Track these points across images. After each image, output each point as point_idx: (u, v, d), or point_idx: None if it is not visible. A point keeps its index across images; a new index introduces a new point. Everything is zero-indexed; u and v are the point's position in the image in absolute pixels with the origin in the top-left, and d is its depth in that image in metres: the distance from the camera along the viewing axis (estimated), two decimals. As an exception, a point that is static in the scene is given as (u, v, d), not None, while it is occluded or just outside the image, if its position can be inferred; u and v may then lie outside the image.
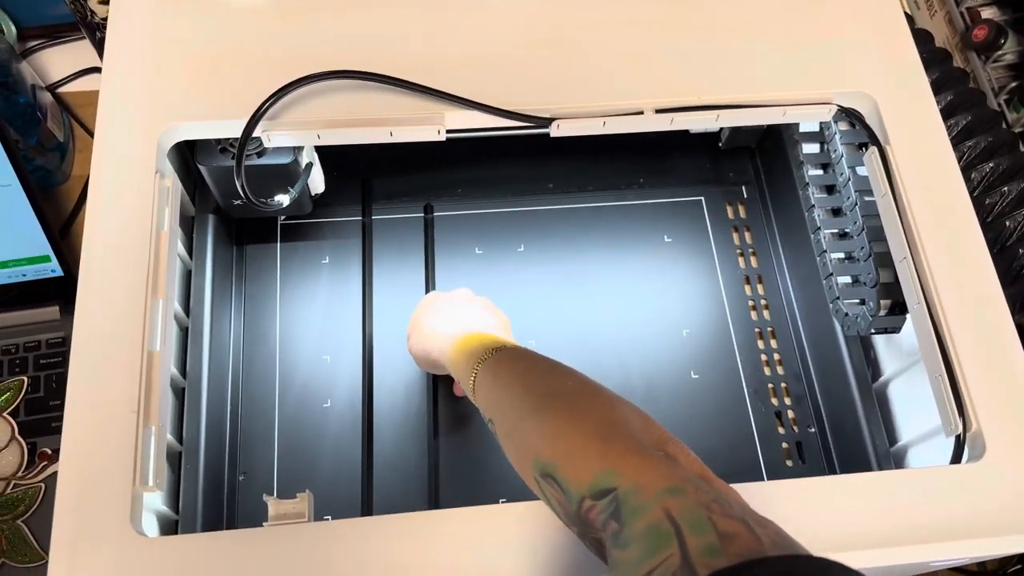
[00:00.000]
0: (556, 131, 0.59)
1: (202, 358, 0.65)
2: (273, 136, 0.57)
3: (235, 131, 0.57)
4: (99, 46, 0.74)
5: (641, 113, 0.59)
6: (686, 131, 0.80)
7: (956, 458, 0.51)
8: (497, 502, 0.66)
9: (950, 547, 0.48)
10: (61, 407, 0.68)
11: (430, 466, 0.67)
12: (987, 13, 0.81)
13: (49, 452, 0.67)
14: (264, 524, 0.47)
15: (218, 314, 0.68)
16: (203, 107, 0.57)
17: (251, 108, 0.55)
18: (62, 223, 0.76)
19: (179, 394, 0.62)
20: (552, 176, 0.80)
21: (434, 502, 0.66)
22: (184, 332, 0.64)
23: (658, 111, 0.59)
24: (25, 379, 0.69)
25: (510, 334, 0.61)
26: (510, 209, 0.78)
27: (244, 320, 0.71)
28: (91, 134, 0.80)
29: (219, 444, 0.65)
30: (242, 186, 0.54)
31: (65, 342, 0.71)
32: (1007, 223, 0.64)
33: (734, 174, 0.81)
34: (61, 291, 0.72)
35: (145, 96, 0.57)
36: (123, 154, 0.55)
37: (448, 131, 0.58)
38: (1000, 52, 0.79)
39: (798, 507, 0.49)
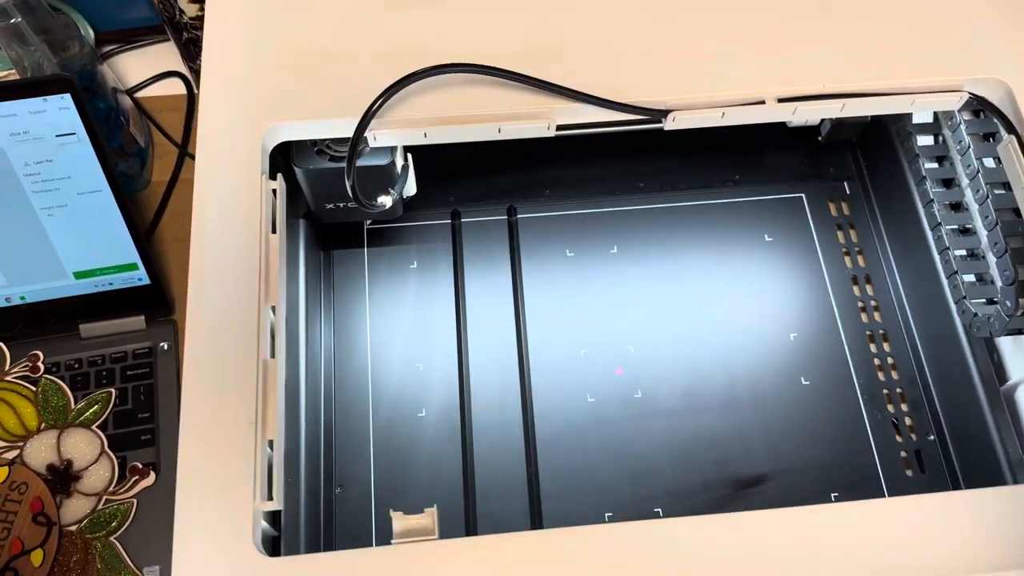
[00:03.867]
0: (671, 123, 0.56)
1: (299, 368, 0.62)
2: (379, 135, 0.54)
3: (338, 131, 0.55)
4: (185, 47, 0.72)
5: (763, 103, 0.56)
6: (783, 125, 0.77)
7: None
8: (603, 517, 0.64)
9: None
10: (150, 420, 0.67)
11: (529, 478, 0.65)
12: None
13: (140, 466, 0.65)
14: (392, 542, 0.44)
15: (310, 322, 0.66)
16: (305, 106, 0.55)
17: (353, 106, 0.53)
18: (144, 230, 0.75)
19: (277, 405, 0.60)
20: (642, 175, 0.77)
21: (537, 516, 0.63)
22: (278, 340, 0.62)
23: (780, 100, 0.56)
24: (113, 391, 0.67)
25: None
26: (600, 210, 0.75)
27: (335, 328, 0.69)
28: (172, 140, 0.79)
29: (316, 456, 0.63)
30: (352, 186, 0.52)
31: (151, 352, 0.70)
32: None
33: (835, 169, 0.77)
34: (147, 300, 0.70)
35: (247, 96, 0.55)
36: (228, 156, 0.53)
37: (559, 126, 0.56)
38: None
39: (924, 525, 0.45)
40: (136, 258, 0.67)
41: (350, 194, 0.53)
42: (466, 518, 0.63)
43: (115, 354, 0.69)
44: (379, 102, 0.51)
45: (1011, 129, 0.56)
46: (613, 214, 0.75)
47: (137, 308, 0.70)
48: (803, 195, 0.75)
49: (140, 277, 0.69)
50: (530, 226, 0.74)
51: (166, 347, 0.70)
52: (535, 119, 0.55)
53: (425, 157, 0.68)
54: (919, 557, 0.44)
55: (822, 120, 0.75)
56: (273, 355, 0.49)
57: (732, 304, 0.71)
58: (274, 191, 0.53)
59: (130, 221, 0.65)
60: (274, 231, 0.51)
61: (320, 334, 0.68)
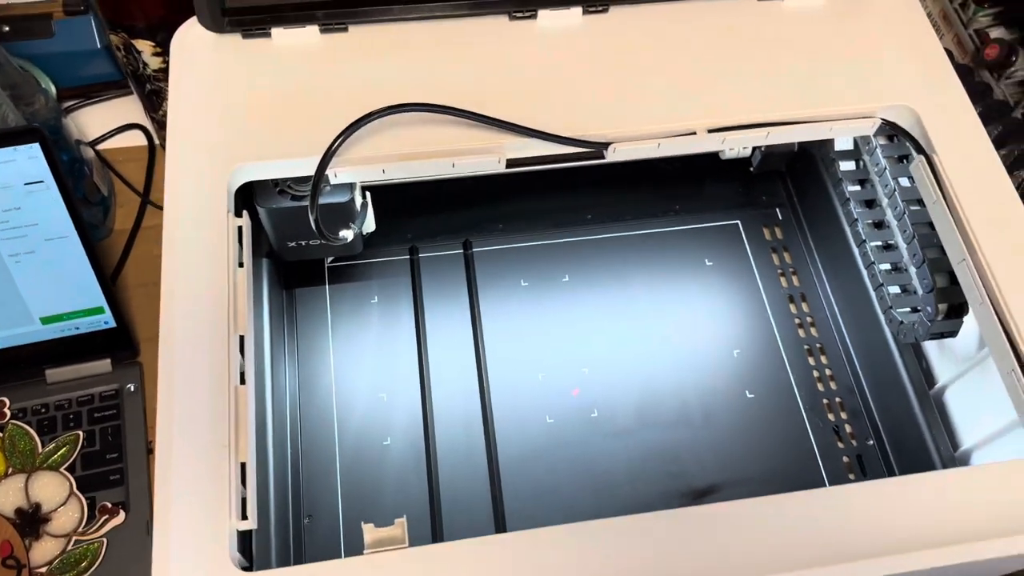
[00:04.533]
0: (612, 155, 0.60)
1: (265, 403, 0.64)
2: (339, 172, 0.58)
3: (301, 170, 0.58)
4: (148, 99, 0.75)
5: (694, 133, 0.60)
6: (717, 158, 0.82)
7: (1038, 451, 0.52)
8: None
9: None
10: (118, 460, 0.68)
11: (494, 498, 0.67)
12: (995, 33, 0.85)
13: (109, 506, 0.66)
14: (364, 552, 0.47)
15: (275, 359, 0.68)
16: (269, 148, 0.58)
17: (314, 146, 0.56)
18: (109, 275, 0.76)
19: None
20: (590, 207, 0.81)
21: (501, 529, 0.66)
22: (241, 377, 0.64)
23: (710, 131, 0.60)
24: (80, 433, 0.68)
25: None
26: (551, 241, 0.79)
27: (299, 364, 0.71)
28: (133, 189, 0.82)
29: (284, 487, 0.65)
30: (315, 221, 0.55)
31: (118, 394, 0.71)
32: (1049, 225, 0.66)
33: (767, 197, 0.83)
34: (113, 343, 0.71)
35: (212, 139, 0.58)
36: (195, 196, 0.55)
37: (508, 160, 0.59)
38: (1012, 69, 0.82)
39: (870, 510, 0.49)
40: (103, 301, 0.69)
41: (314, 227, 0.56)
42: (433, 540, 0.65)
43: (82, 397, 0.70)
44: (339, 140, 0.55)
45: (920, 150, 0.61)
46: (564, 245, 0.79)
47: (103, 351, 0.71)
48: (739, 222, 0.80)
49: (106, 320, 0.70)
50: (485, 259, 0.78)
51: (132, 389, 0.71)
52: (486, 154, 0.59)
53: (384, 196, 0.72)
54: (861, 539, 0.48)
55: (753, 151, 0.80)
56: (243, 382, 0.51)
57: (678, 325, 0.75)
58: (240, 228, 0.56)
59: (96, 265, 0.67)
60: (241, 265, 0.54)
61: (285, 370, 0.70)
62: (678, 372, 0.73)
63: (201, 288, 0.52)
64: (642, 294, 0.76)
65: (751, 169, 0.82)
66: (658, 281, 0.77)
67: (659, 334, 0.75)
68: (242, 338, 0.52)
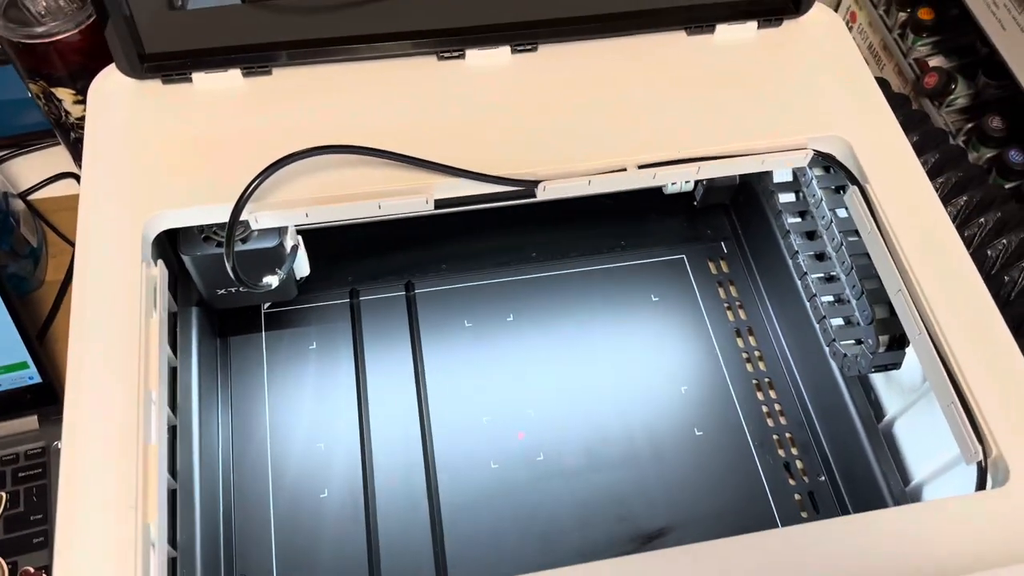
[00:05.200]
0: (543, 193, 0.59)
1: (192, 457, 0.62)
2: (260, 217, 0.56)
3: (222, 216, 0.56)
4: (73, 147, 0.74)
5: (624, 170, 0.59)
6: (661, 193, 0.81)
7: (981, 485, 0.51)
8: (511, 579, 0.64)
9: (986, 578, 0.47)
10: (43, 522, 0.65)
11: (435, 550, 0.64)
12: (934, 62, 0.85)
13: (31, 571, 0.63)
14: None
15: (206, 410, 0.66)
16: (187, 194, 0.56)
17: (235, 191, 0.55)
18: (38, 329, 0.74)
19: (170, 496, 0.59)
20: (534, 245, 0.80)
21: (444, 585, 0.63)
22: (172, 431, 0.62)
23: (640, 167, 0.60)
24: (3, 495, 0.66)
25: None
26: (495, 280, 0.78)
27: (232, 414, 0.69)
28: (65, 239, 0.80)
29: (215, 546, 0.62)
30: (233, 268, 0.53)
31: (45, 452, 0.68)
32: (988, 252, 0.65)
33: (711, 231, 0.82)
34: (39, 399, 0.69)
35: (127, 186, 0.56)
36: (108, 246, 0.54)
37: (436, 201, 0.58)
38: (952, 97, 0.83)
39: (823, 552, 0.47)
40: (26, 356, 0.67)
41: (231, 275, 0.54)
42: (371, 594, 0.62)
43: (6, 456, 0.67)
44: (255, 184, 0.53)
45: (854, 180, 0.61)
46: (508, 284, 0.78)
47: (29, 408, 0.69)
48: (684, 256, 0.80)
49: (31, 376, 0.68)
50: (428, 300, 0.76)
51: (59, 446, 0.68)
52: (413, 194, 0.58)
53: (322, 239, 0.70)
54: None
55: (696, 185, 0.80)
56: (153, 440, 0.49)
57: (625, 362, 0.74)
58: (154, 278, 0.54)
59: (18, 320, 0.65)
60: (153, 316, 0.52)
61: (217, 423, 0.68)
62: (625, 411, 0.71)
63: (110, 340, 0.50)
64: (588, 332, 0.75)
65: (695, 203, 0.82)
66: (604, 318, 0.76)
67: (606, 372, 0.73)
68: (153, 393, 0.50)
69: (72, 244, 0.78)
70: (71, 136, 0.72)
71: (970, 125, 0.82)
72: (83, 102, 0.69)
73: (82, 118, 0.70)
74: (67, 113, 0.69)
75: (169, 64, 0.60)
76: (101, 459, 0.47)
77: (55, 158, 0.82)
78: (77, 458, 0.47)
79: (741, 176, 0.77)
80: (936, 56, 0.86)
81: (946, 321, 0.54)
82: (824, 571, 0.47)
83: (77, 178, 0.78)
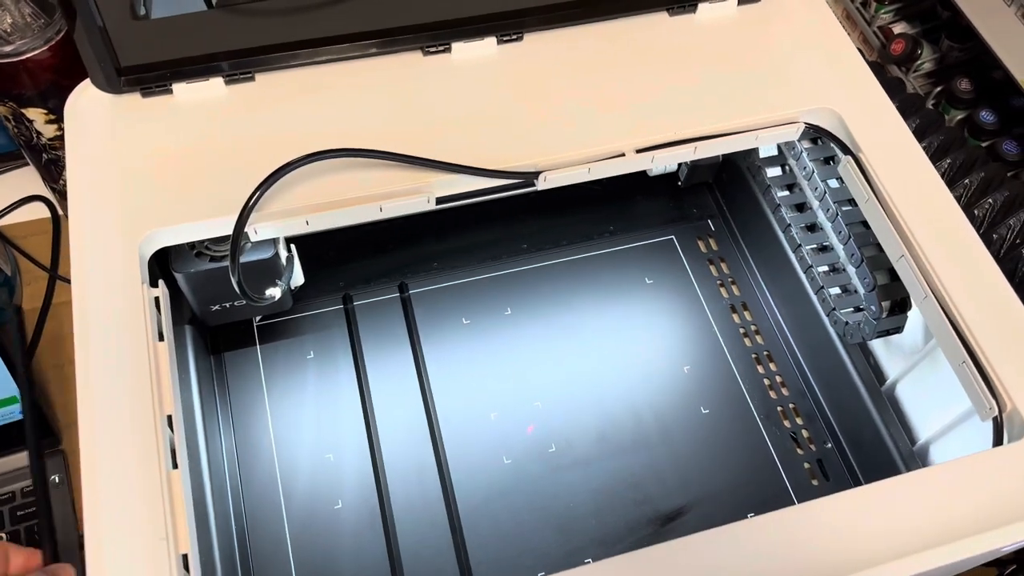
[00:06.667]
0: (543, 184, 0.59)
1: (203, 478, 0.60)
2: (260, 228, 0.55)
3: (217, 230, 0.55)
4: (46, 169, 0.71)
5: (623, 155, 0.59)
6: (645, 175, 0.81)
7: (998, 440, 0.52)
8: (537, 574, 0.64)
9: (1009, 532, 0.48)
10: (50, 560, 0.63)
11: (457, 549, 0.64)
12: (898, 28, 0.87)
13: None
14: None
15: (209, 430, 0.64)
16: (181, 210, 0.54)
17: (230, 204, 0.53)
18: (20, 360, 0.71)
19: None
20: (524, 236, 0.79)
21: (469, 586, 0.63)
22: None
23: (639, 151, 0.59)
24: (3, 536, 0.63)
25: None
26: (489, 275, 0.77)
27: (235, 432, 0.67)
28: (38, 264, 0.77)
29: (232, 568, 0.60)
30: (239, 282, 0.52)
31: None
32: (975, 212, 0.67)
33: (697, 210, 0.82)
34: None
35: (117, 207, 0.54)
36: (104, 270, 0.52)
37: (438, 198, 0.57)
38: (919, 62, 0.84)
39: (853, 523, 0.48)
40: (14, 391, 0.64)
41: (237, 290, 0.52)
42: (398, 602, 0.61)
43: (1, 495, 0.65)
44: (257, 195, 0.52)
45: (847, 150, 0.61)
46: (502, 277, 0.77)
47: (21, 443, 0.66)
48: (673, 237, 0.80)
49: (21, 411, 0.65)
50: (423, 300, 0.75)
51: (57, 480, 0.66)
52: (415, 194, 0.57)
53: (311, 246, 0.69)
54: (835, 553, 0.47)
55: (680, 166, 0.80)
56: (176, 466, 0.47)
57: (626, 347, 0.74)
58: (156, 299, 0.52)
59: (4, 354, 0.62)
60: (161, 339, 0.50)
61: (220, 440, 0.66)
62: (631, 394, 0.71)
63: (119, 368, 0.48)
64: (586, 319, 0.75)
65: (679, 184, 0.82)
66: (601, 304, 0.76)
67: (608, 358, 0.73)
68: (170, 417, 0.48)
69: (47, 269, 0.75)
70: (43, 158, 0.69)
71: (938, 89, 0.84)
72: (55, 122, 0.66)
73: (55, 139, 0.67)
74: (39, 134, 0.66)
75: (148, 76, 0.58)
76: (125, 491, 0.45)
77: (23, 180, 0.79)
78: (99, 493, 0.45)
79: (725, 155, 0.77)
80: (899, 23, 0.88)
81: (950, 282, 0.55)
82: (844, 544, 0.47)
83: (47, 201, 0.75)
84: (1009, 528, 0.47)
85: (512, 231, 0.79)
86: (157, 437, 0.47)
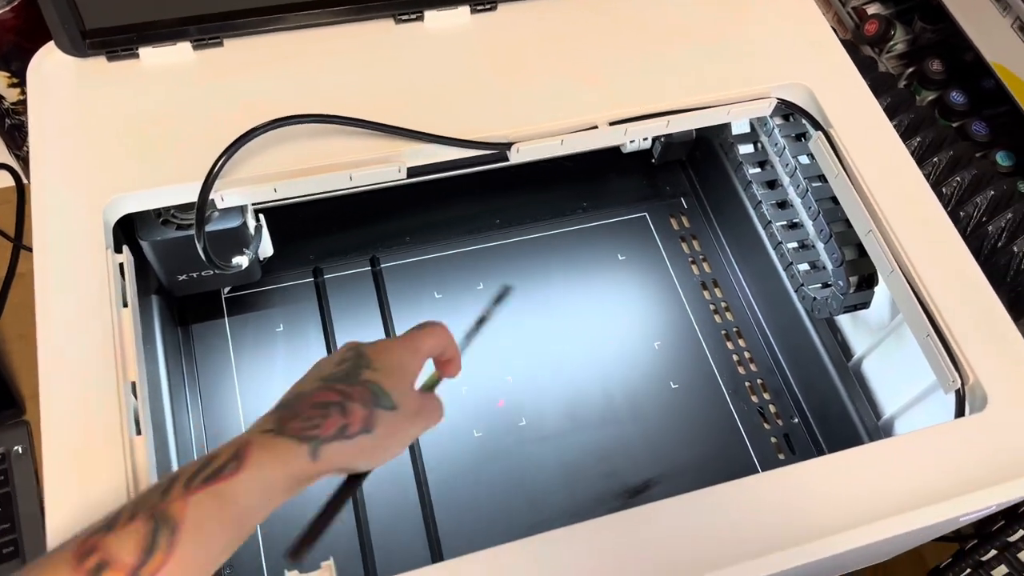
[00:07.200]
0: (516, 156, 0.58)
1: (169, 452, 0.60)
2: (227, 195, 0.54)
3: (184, 196, 0.54)
4: (9, 135, 0.69)
5: (596, 127, 0.59)
6: (619, 152, 0.81)
7: (960, 412, 0.52)
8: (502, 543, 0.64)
9: (969, 500, 0.49)
10: (11, 530, 0.62)
11: (426, 521, 0.64)
12: (872, 9, 0.87)
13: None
14: (291, 601, 0.43)
15: (176, 402, 0.63)
16: (146, 176, 0.53)
17: (197, 170, 0.52)
18: (-19, 332, 0.70)
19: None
20: (497, 211, 0.79)
21: (438, 560, 0.63)
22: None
23: (612, 123, 0.59)
24: None
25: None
26: (461, 249, 0.77)
27: (203, 404, 0.67)
28: (2, 234, 0.75)
29: (199, 538, 0.60)
30: (204, 249, 0.51)
31: (5, 458, 0.65)
32: (943, 190, 0.68)
33: (670, 187, 0.82)
34: (-8, 403, 0.65)
35: (81, 172, 0.53)
36: (68, 236, 0.51)
37: (409, 169, 0.57)
38: (892, 43, 0.85)
39: (807, 491, 0.48)
40: (-25, 361, 0.63)
41: (203, 257, 0.52)
42: (365, 573, 0.61)
43: (-38, 467, 0.64)
44: (222, 160, 0.51)
45: (818, 126, 0.62)
46: (475, 252, 0.77)
47: (-18, 414, 0.65)
48: (646, 214, 0.80)
49: (-18, 380, 0.64)
50: (395, 274, 0.75)
51: (20, 451, 0.65)
52: (385, 163, 0.56)
53: (281, 217, 0.68)
54: (797, 519, 0.47)
55: (653, 143, 0.80)
56: (140, 432, 0.46)
57: (598, 323, 0.74)
58: (121, 265, 0.51)
59: (-36, 322, 0.61)
60: (126, 305, 0.49)
61: (188, 413, 0.65)
62: (602, 370, 0.72)
63: (82, 334, 0.48)
64: (559, 295, 0.75)
65: (653, 161, 0.82)
66: (573, 280, 0.76)
67: (580, 333, 0.73)
68: (134, 384, 0.48)
69: (11, 239, 0.74)
70: (6, 123, 0.67)
71: (910, 69, 0.85)
72: (18, 85, 0.65)
73: (18, 103, 0.66)
74: (1, 98, 0.65)
75: (114, 40, 0.57)
76: (87, 458, 0.44)
77: (-18, 149, 0.77)
78: (61, 460, 0.44)
79: (698, 131, 0.78)
80: (873, 3, 0.88)
81: (916, 257, 0.56)
82: (814, 510, 0.47)
83: (10, 169, 0.74)
84: (968, 497, 0.48)
85: (485, 206, 0.79)
86: (121, 403, 0.46)
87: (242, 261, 0.59)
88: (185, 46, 0.58)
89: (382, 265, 0.75)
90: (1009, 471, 0.49)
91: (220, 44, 0.59)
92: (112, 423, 0.46)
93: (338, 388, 0.41)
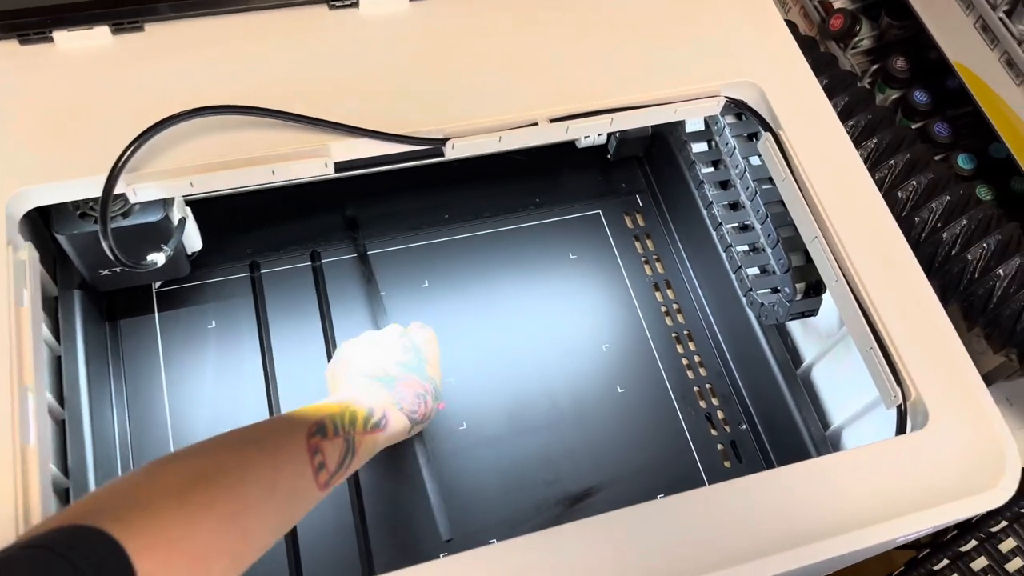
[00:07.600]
0: (451, 151, 0.56)
1: (85, 453, 0.57)
2: (139, 189, 0.51)
3: (95, 189, 0.51)
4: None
5: (536, 124, 0.57)
6: (574, 147, 0.79)
7: (901, 429, 0.51)
8: (438, 556, 0.62)
9: (911, 520, 0.47)
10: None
11: (357, 528, 0.62)
12: (839, 4, 0.85)
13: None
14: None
15: (97, 401, 0.61)
16: (55, 167, 0.51)
17: (110, 162, 0.50)
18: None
19: (63, 496, 0.54)
20: (446, 206, 0.76)
21: (368, 568, 0.60)
22: (61, 426, 0.57)
23: (552, 120, 0.57)
24: None
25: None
26: (407, 245, 0.74)
27: (127, 404, 0.64)
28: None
29: (116, 545, 0.58)
30: (110, 247, 0.48)
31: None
32: (899, 194, 0.66)
33: (626, 184, 0.80)
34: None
35: (-16, 161, 0.50)
36: (-36, 229, 0.48)
37: (336, 164, 0.54)
38: (857, 39, 0.82)
39: (749, 507, 0.46)
40: None
41: (109, 255, 0.49)
42: (290, 583, 0.59)
43: None
44: (128, 152, 0.48)
45: (767, 127, 0.60)
46: (421, 248, 0.74)
47: None
48: (600, 211, 0.78)
49: None
50: (337, 270, 0.72)
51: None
52: (310, 157, 0.54)
53: (215, 208, 0.65)
54: (742, 537, 0.45)
55: (609, 138, 0.78)
56: (33, 440, 0.44)
57: (545, 323, 0.72)
58: (23, 261, 0.48)
59: None
60: (23, 304, 0.47)
61: (112, 413, 0.63)
62: (547, 373, 0.69)
63: (-24, 336, 0.45)
64: (506, 294, 0.73)
65: (608, 156, 0.79)
66: (522, 279, 0.74)
67: (526, 334, 0.71)
68: (29, 389, 0.45)
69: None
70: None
71: (875, 67, 0.83)
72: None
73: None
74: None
75: (26, 22, 0.54)
76: (-30, 468, 0.42)
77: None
78: (-58, 469, 0.42)
79: (654, 127, 0.75)
80: (840, -2, 0.86)
81: (863, 266, 0.54)
82: (750, 528, 0.46)
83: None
84: (901, 520, 0.47)
85: (433, 201, 0.76)
86: (13, 408, 0.44)
87: (158, 258, 0.56)
88: (103, 30, 0.55)
89: (323, 260, 0.72)
90: (946, 492, 0.47)
91: (140, 28, 0.56)
92: (2, 430, 0.43)
93: (423, 383, 0.57)
